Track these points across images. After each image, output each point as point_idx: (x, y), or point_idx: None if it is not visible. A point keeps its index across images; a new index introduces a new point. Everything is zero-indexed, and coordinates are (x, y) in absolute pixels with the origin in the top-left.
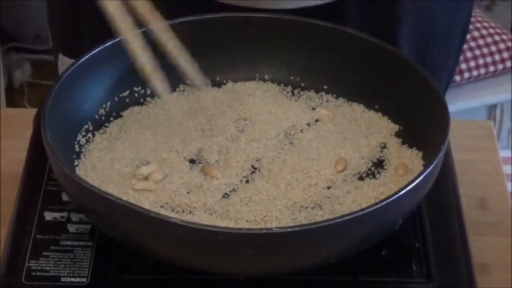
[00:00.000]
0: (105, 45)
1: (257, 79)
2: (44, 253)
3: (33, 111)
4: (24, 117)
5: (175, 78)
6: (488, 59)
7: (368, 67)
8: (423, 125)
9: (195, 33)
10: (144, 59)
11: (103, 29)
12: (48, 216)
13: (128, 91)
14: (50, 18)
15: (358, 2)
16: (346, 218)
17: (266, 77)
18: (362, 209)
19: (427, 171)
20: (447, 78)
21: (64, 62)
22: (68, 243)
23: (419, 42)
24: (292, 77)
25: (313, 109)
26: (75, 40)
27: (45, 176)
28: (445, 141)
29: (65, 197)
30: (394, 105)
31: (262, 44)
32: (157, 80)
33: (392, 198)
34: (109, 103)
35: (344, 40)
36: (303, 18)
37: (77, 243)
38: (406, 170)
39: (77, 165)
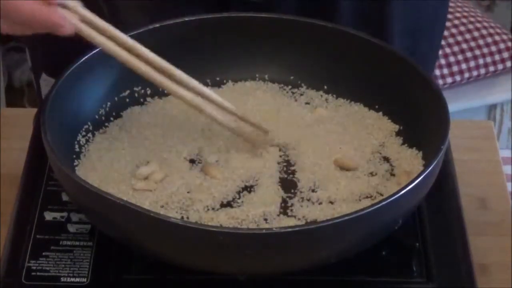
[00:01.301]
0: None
1: (257, 79)
2: (44, 253)
3: (33, 111)
4: (24, 117)
5: None
6: (488, 59)
7: (368, 67)
8: (423, 125)
9: (195, 33)
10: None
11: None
12: (48, 216)
13: (128, 91)
14: (28, 40)
15: (349, 1)
16: (346, 218)
17: (266, 77)
18: (362, 209)
19: (427, 171)
20: (430, 72)
21: (47, 82)
22: (68, 243)
23: (408, 36)
24: (292, 77)
25: (314, 109)
26: (57, 59)
27: (45, 176)
28: (445, 141)
29: (65, 197)
30: (394, 105)
31: (262, 44)
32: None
33: (392, 198)
34: (109, 103)
35: (344, 40)
36: (303, 18)
37: (77, 243)
38: (403, 171)
39: (77, 165)
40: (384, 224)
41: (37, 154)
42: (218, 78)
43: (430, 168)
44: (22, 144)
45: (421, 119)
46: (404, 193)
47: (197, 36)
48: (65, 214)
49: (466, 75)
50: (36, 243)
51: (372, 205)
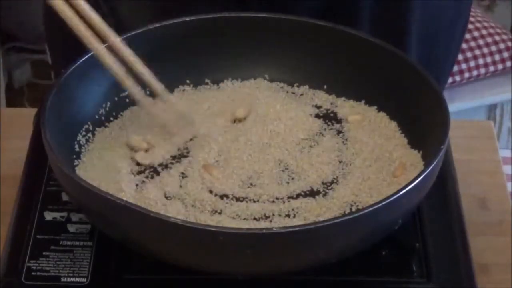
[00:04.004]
0: (105, 45)
1: (257, 78)
2: (44, 253)
3: (33, 111)
4: (24, 117)
5: (174, 78)
6: (488, 59)
7: (368, 67)
8: (423, 125)
9: (195, 33)
10: (115, 69)
11: None
12: (48, 216)
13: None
14: (49, 38)
15: (369, 4)
16: (346, 218)
17: (266, 76)
18: (362, 209)
19: (427, 171)
20: (447, 74)
21: None
22: (68, 243)
23: (426, 41)
24: (292, 77)
25: (318, 107)
26: (78, 56)
27: (45, 176)
28: (445, 141)
29: (65, 197)
30: (394, 105)
31: (262, 43)
32: (132, 87)
33: (392, 198)
34: (109, 103)
35: (344, 39)
36: (303, 18)
37: (77, 243)
38: (403, 171)
39: (77, 165)
40: (384, 224)
41: (37, 154)
42: (218, 78)
43: (430, 168)
44: (22, 144)
45: (421, 119)
46: (404, 193)
47: (197, 36)
48: (65, 214)
49: (466, 75)
50: (36, 243)
51: (372, 205)
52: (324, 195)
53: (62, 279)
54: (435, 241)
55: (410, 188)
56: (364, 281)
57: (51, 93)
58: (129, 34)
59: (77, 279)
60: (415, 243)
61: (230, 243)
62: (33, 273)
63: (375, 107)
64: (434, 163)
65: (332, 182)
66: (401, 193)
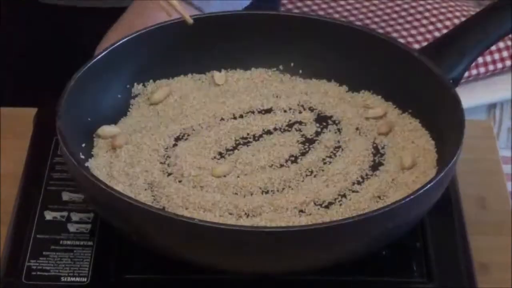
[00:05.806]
0: (108, 49)
1: (258, 74)
2: (44, 253)
3: (33, 111)
4: (24, 117)
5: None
6: (488, 58)
7: (380, 63)
8: (439, 125)
9: (196, 32)
10: None
11: None
12: (48, 215)
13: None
14: None
15: None
16: (350, 220)
17: (269, 72)
18: (365, 214)
19: (440, 176)
20: None
21: None
22: (68, 242)
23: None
24: (295, 72)
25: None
26: None
27: (45, 176)
28: (461, 141)
29: (65, 197)
30: (414, 107)
31: (264, 41)
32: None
33: (401, 201)
34: (117, 104)
35: (354, 38)
36: (309, 15)
37: (77, 242)
38: (411, 163)
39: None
40: (392, 228)
41: (37, 154)
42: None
43: (442, 173)
44: (22, 144)
45: (437, 120)
46: (420, 193)
47: (197, 36)
48: (65, 213)
49: (466, 74)
50: (36, 242)
51: (378, 209)
52: (333, 191)
53: (62, 278)
54: (435, 241)
55: (426, 189)
56: (364, 281)
57: (64, 95)
58: (129, 34)
59: (77, 279)
60: (415, 243)
61: (233, 241)
62: (33, 273)
63: (389, 103)
64: (449, 166)
65: (337, 179)
66: (409, 198)
